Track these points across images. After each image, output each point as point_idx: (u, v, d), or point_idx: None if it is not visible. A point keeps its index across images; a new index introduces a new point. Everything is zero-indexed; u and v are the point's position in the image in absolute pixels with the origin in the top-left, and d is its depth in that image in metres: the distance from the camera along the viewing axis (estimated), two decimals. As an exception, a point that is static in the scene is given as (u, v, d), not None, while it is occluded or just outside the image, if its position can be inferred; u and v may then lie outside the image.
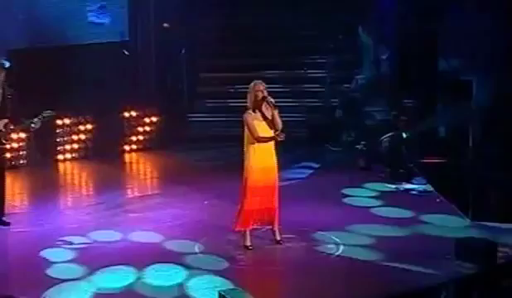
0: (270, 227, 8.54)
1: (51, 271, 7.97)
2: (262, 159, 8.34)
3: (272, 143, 8.38)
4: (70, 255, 8.43)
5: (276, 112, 8.27)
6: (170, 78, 14.06)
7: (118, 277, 7.80)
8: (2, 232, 9.14)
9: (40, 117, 9.14)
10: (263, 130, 8.31)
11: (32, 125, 9.15)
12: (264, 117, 8.31)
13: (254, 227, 8.52)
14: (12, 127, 9.14)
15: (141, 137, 13.36)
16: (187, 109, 14.10)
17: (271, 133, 8.31)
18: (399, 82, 12.33)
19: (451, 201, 9.88)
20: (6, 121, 9.01)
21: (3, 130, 9.02)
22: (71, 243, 8.71)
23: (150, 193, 11.21)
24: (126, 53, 13.39)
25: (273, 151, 8.40)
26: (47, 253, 8.43)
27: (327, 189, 10.63)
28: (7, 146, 9.47)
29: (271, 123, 8.30)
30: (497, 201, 9.40)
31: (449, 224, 9.19)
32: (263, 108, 8.29)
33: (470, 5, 11.67)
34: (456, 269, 7.85)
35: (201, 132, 13.69)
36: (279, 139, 8.29)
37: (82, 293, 7.46)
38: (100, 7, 13.21)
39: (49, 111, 9.23)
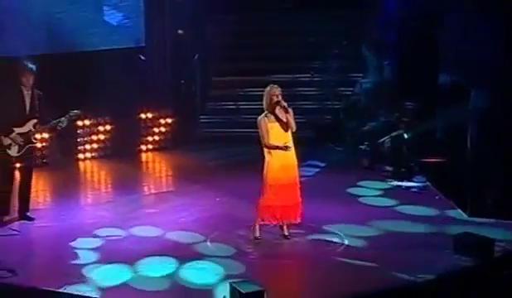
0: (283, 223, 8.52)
1: (72, 264, 8.03)
2: (281, 157, 8.31)
3: (288, 137, 8.31)
4: (91, 248, 8.48)
5: (289, 116, 8.25)
6: (183, 81, 14.06)
7: (146, 264, 7.89)
8: (27, 226, 9.20)
9: (67, 116, 9.17)
10: (277, 131, 8.29)
11: (60, 124, 9.18)
12: (278, 119, 8.30)
13: (280, 223, 8.48)
14: (40, 127, 9.19)
15: (156, 138, 13.39)
16: (200, 111, 14.12)
17: (286, 135, 8.28)
18: (401, 86, 12.30)
19: (449, 198, 9.88)
20: (35, 121, 9.07)
21: (33, 129, 9.08)
22: (91, 237, 8.76)
23: (165, 190, 11.25)
24: (142, 58, 13.42)
25: (293, 150, 8.36)
26: (69, 246, 8.47)
27: (332, 186, 10.64)
28: (36, 145, 9.50)
29: (285, 125, 8.29)
30: (493, 198, 9.40)
31: (449, 220, 9.19)
32: (277, 111, 8.28)
33: (469, 12, 11.67)
34: (455, 262, 7.86)
35: (213, 132, 13.71)
36: (285, 150, 8.25)
37: (109, 281, 7.52)
38: (123, 16, 13.24)
39: (75, 110, 9.26)
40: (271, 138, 8.28)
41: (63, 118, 9.13)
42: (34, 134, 9.13)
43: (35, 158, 10.00)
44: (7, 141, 8.98)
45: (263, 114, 8.33)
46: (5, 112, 9.00)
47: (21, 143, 9.02)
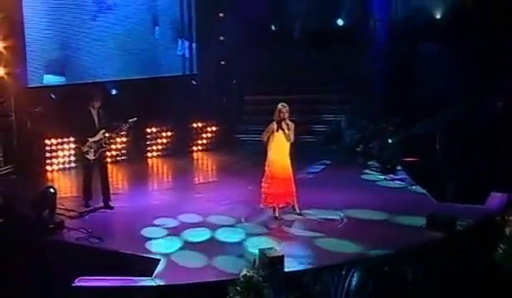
0: (292, 205, 8.63)
1: (144, 233, 8.23)
2: (279, 156, 8.37)
3: (287, 145, 8.36)
4: (157, 222, 8.65)
5: (290, 132, 8.28)
6: (225, 99, 14.17)
7: (197, 235, 8.09)
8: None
9: (127, 123, 9.32)
10: (279, 138, 8.38)
11: (122, 129, 9.34)
12: (283, 132, 8.32)
13: (281, 206, 8.58)
14: (108, 134, 9.30)
15: (204, 141, 13.50)
16: (237, 121, 14.21)
17: (286, 143, 8.33)
18: (387, 103, 12.34)
19: (423, 188, 9.87)
20: (103, 130, 9.24)
21: (103, 137, 9.25)
22: (157, 215, 8.90)
23: (210, 180, 11.33)
24: (194, 83, 13.59)
25: (287, 152, 8.39)
26: (140, 221, 8.65)
27: (335, 179, 10.68)
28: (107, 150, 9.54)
29: (287, 137, 8.34)
30: (456, 188, 9.41)
31: (421, 204, 9.20)
32: (283, 125, 8.30)
33: (438, 46, 11.70)
34: (426, 235, 7.90)
35: (246, 138, 13.78)
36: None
37: (169, 247, 7.73)
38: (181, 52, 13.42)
39: (133, 118, 9.34)
40: (273, 142, 8.31)
41: (123, 125, 9.30)
42: (105, 141, 9.25)
43: (114, 156, 10.01)
44: (84, 148, 9.18)
45: (274, 122, 8.40)
46: (80, 127, 9.25)
47: (96, 149, 9.18)
